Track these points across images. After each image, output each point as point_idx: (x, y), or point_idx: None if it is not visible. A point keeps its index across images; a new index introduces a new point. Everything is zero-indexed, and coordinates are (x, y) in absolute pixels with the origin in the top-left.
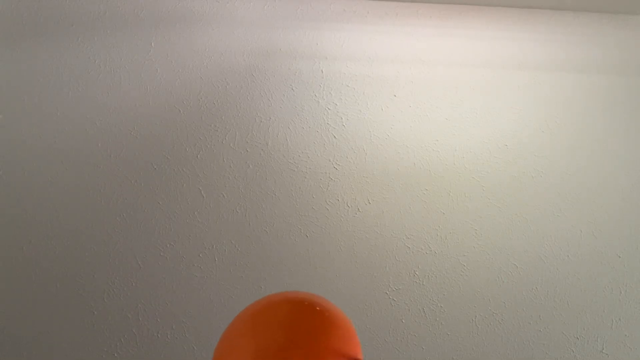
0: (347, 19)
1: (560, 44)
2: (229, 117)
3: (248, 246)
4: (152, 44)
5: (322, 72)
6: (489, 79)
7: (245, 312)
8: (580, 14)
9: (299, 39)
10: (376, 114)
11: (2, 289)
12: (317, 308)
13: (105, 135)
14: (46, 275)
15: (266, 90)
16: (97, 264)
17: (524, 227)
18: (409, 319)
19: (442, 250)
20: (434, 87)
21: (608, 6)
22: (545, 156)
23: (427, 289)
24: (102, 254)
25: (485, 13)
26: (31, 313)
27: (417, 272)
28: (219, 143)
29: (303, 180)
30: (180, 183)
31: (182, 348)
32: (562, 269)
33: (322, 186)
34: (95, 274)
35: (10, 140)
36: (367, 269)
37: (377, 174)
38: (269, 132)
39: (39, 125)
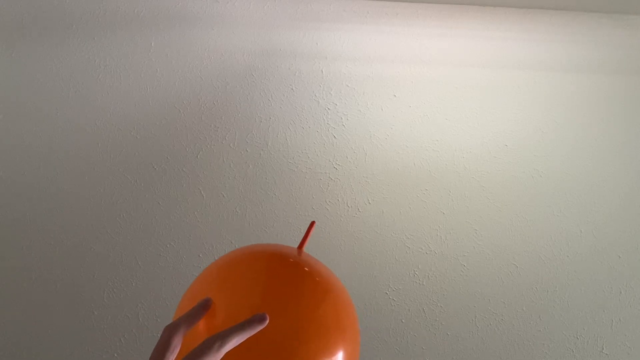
0: (347, 19)
1: (560, 44)
2: (229, 117)
3: None
4: (152, 44)
5: (322, 72)
6: (489, 79)
7: (216, 263)
8: (580, 14)
9: (299, 39)
10: (376, 114)
11: (1, 289)
12: (306, 269)
13: (105, 136)
14: (46, 275)
15: (266, 90)
16: (97, 264)
17: (524, 227)
18: (409, 319)
19: (442, 250)
20: (434, 87)
21: (608, 6)
22: (545, 156)
23: (427, 289)
24: (102, 254)
25: (485, 13)
26: (31, 313)
27: (417, 272)
28: (219, 143)
29: (303, 180)
30: (180, 183)
31: None
32: (562, 269)
33: (322, 186)
34: (95, 274)
35: (10, 140)
36: (367, 269)
37: (377, 174)
38: (269, 132)
39: (38, 125)
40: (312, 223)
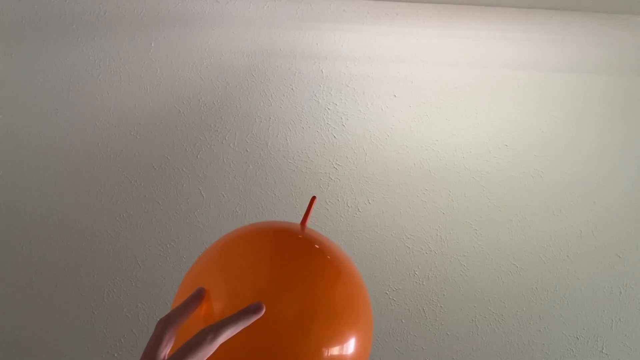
0: (347, 19)
1: (560, 44)
2: (229, 117)
3: None
4: (152, 44)
5: (322, 72)
6: (489, 79)
7: (216, 244)
8: (580, 14)
9: (299, 39)
10: (376, 114)
11: (1, 289)
12: (316, 246)
13: (105, 135)
14: (46, 275)
15: (266, 90)
16: (97, 264)
17: (524, 227)
18: (409, 319)
19: (442, 250)
20: (434, 87)
21: (608, 6)
22: (545, 156)
23: (427, 289)
24: (102, 254)
25: (485, 13)
26: (31, 313)
27: (417, 272)
28: (219, 143)
29: (303, 180)
30: (180, 183)
31: None
32: (562, 269)
33: (322, 186)
34: (95, 274)
35: (10, 140)
36: (367, 269)
37: (377, 174)
38: (269, 132)
39: (38, 125)
40: (313, 198)
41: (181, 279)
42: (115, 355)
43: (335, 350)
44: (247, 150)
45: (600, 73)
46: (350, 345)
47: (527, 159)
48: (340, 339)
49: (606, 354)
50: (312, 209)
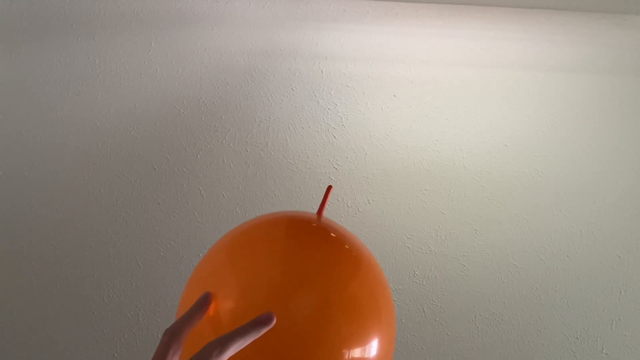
0: (347, 19)
1: (560, 44)
2: (229, 117)
3: None
4: (152, 44)
5: (322, 72)
6: (489, 79)
7: (225, 237)
8: (580, 14)
9: (299, 39)
10: (376, 114)
11: (1, 289)
12: (332, 234)
13: (105, 135)
14: (46, 275)
15: (266, 90)
16: (97, 264)
17: (524, 227)
18: (409, 319)
19: (442, 250)
20: (434, 87)
21: (608, 6)
22: (545, 156)
23: (427, 289)
24: (102, 254)
25: (485, 13)
26: (31, 313)
27: (417, 272)
28: (219, 143)
29: (303, 180)
30: (180, 183)
31: None
32: (562, 269)
33: (322, 186)
34: (95, 274)
35: (10, 140)
36: None
37: (377, 174)
38: (269, 132)
39: (38, 125)
40: (329, 187)
41: (181, 279)
42: (115, 355)
43: (357, 351)
44: (247, 150)
45: (600, 73)
46: (374, 344)
47: (527, 159)
48: (363, 338)
49: (606, 354)
50: (328, 198)
